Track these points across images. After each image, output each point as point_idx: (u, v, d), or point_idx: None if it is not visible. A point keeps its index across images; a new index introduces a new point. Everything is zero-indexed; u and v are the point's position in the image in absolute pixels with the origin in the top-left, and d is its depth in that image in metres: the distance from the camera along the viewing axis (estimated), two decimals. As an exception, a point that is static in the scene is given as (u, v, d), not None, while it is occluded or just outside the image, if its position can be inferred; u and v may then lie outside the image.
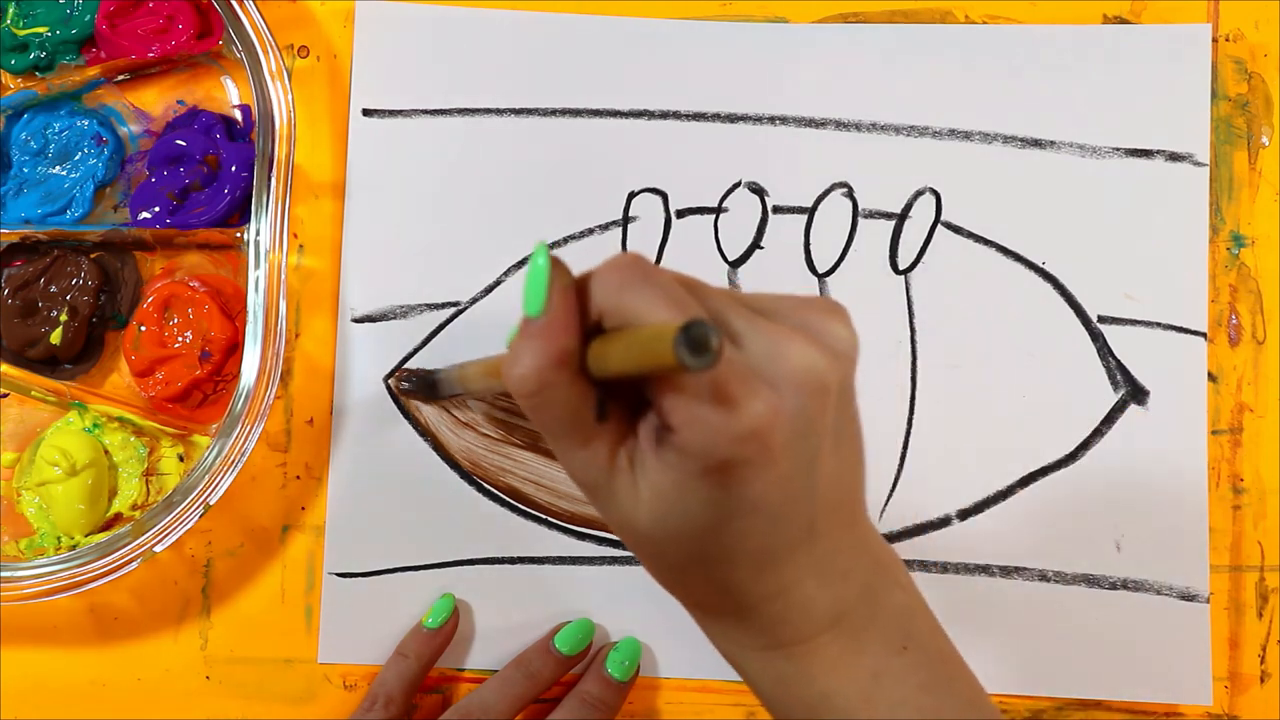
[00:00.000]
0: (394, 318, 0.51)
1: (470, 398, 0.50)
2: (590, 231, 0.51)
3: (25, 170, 0.51)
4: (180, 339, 0.50)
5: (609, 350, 0.31)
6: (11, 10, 0.50)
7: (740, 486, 0.30)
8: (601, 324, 0.32)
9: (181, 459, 0.50)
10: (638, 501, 0.32)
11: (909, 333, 0.50)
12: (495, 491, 0.50)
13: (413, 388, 0.50)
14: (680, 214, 0.51)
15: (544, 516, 0.50)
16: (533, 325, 0.31)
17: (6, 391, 0.50)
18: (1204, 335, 0.50)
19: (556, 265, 0.32)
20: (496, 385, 0.42)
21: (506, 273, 0.51)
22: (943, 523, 0.50)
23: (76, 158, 0.51)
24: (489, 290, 0.51)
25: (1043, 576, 0.50)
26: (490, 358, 0.41)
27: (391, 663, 0.49)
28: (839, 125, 0.51)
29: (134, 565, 0.47)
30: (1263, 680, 0.49)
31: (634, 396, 0.32)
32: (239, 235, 0.49)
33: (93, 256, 0.51)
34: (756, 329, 0.31)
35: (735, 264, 0.51)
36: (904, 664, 0.34)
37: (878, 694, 0.34)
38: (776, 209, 0.51)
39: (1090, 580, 0.49)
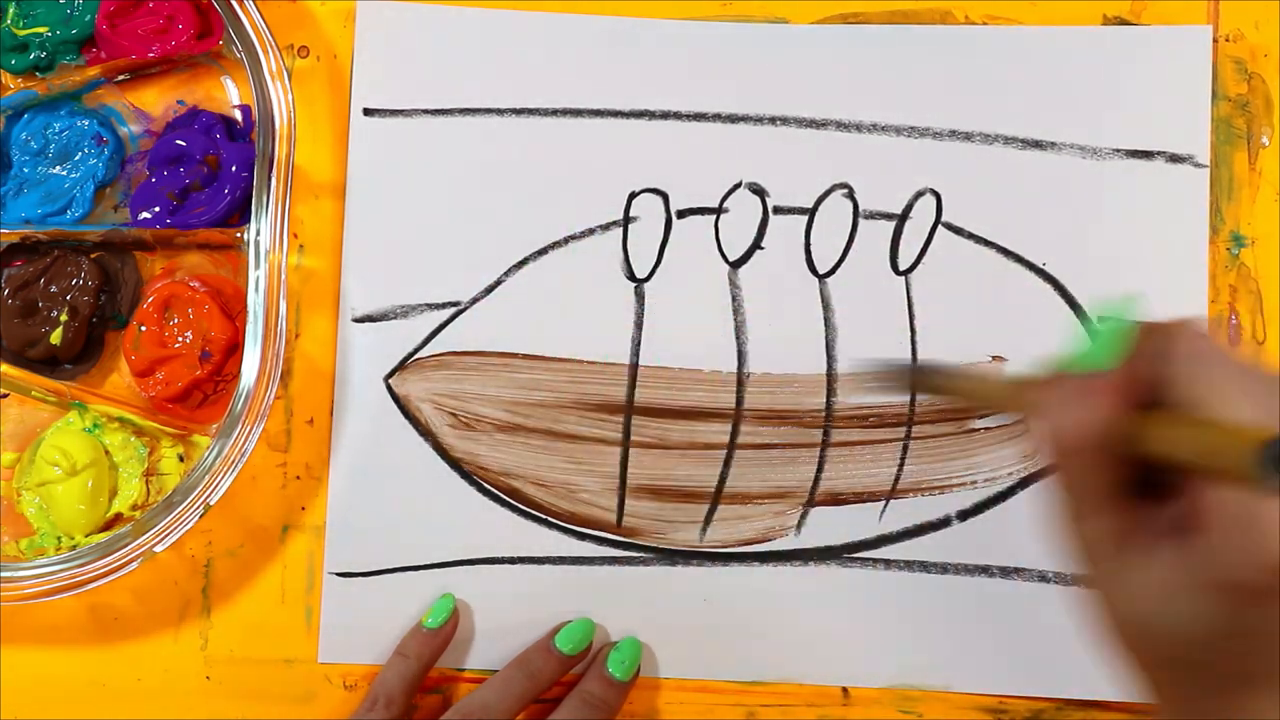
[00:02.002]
0: (394, 318, 0.51)
1: (954, 402, 0.48)
2: (590, 231, 0.51)
3: (25, 170, 0.51)
4: (180, 339, 0.50)
5: (1168, 431, 0.29)
6: (11, 10, 0.50)
7: (1248, 610, 0.29)
8: (1158, 393, 0.29)
9: (181, 459, 0.50)
10: (1139, 590, 0.30)
11: (909, 333, 0.50)
12: (495, 491, 0.50)
13: (895, 378, 0.48)
14: (681, 214, 0.51)
15: (544, 516, 0.50)
16: (1098, 379, 0.29)
17: (6, 391, 0.50)
18: (1204, 336, 0.50)
19: (1139, 325, 0.30)
20: (1014, 409, 0.39)
21: (507, 273, 0.51)
22: (943, 523, 0.50)
23: (76, 158, 0.51)
24: (489, 290, 0.51)
25: (1042, 577, 0.50)
26: (1024, 378, 0.36)
27: (391, 663, 0.49)
28: (839, 126, 0.51)
29: (134, 565, 0.47)
30: (1262, 680, 0.49)
31: (1166, 477, 0.30)
32: (239, 235, 0.49)
33: (93, 256, 0.51)
34: None
35: (736, 264, 0.51)
36: None
37: None
38: (777, 209, 0.51)
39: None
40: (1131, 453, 0.29)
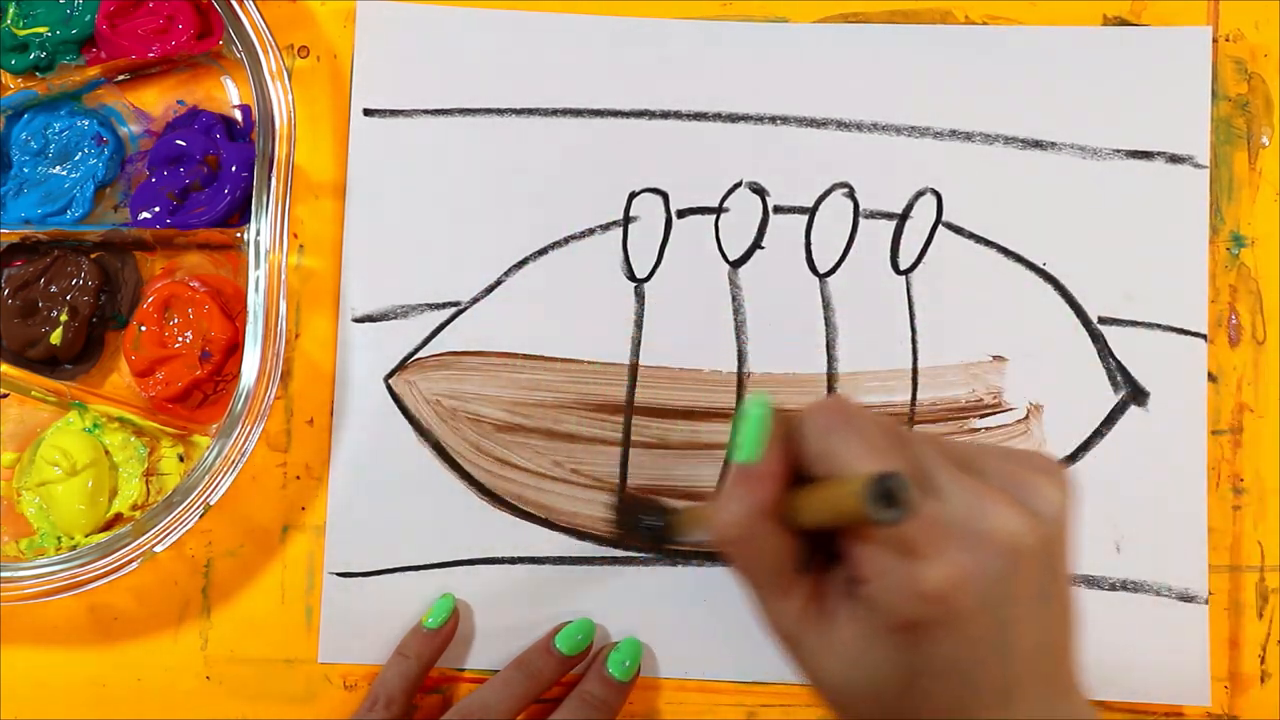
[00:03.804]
0: (394, 318, 0.51)
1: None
2: (591, 231, 0.51)
3: (25, 170, 0.51)
4: (180, 339, 0.50)
5: (806, 500, 0.31)
6: (11, 10, 0.50)
7: (927, 646, 0.30)
8: (805, 470, 0.31)
9: (181, 459, 0.50)
10: (828, 655, 0.32)
11: (910, 333, 0.50)
12: (495, 491, 0.50)
13: (644, 531, 0.49)
14: (681, 214, 0.51)
15: (544, 516, 0.50)
16: (743, 473, 0.31)
17: (6, 391, 0.50)
18: (1204, 336, 0.50)
19: (774, 416, 0.32)
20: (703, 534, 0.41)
21: (507, 273, 0.51)
22: (943, 523, 0.50)
23: (76, 158, 0.51)
24: (489, 290, 0.51)
25: (1043, 577, 0.50)
26: (702, 506, 0.41)
27: (392, 663, 0.49)
28: (840, 125, 0.51)
29: (134, 565, 0.47)
30: (1263, 680, 0.49)
31: (832, 548, 0.32)
32: (239, 235, 0.49)
33: (93, 256, 0.51)
34: (959, 485, 0.30)
35: (736, 264, 0.51)
36: None
37: None
38: (777, 209, 0.51)
39: (1089, 581, 0.50)
40: (793, 529, 0.31)
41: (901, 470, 0.27)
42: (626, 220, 0.51)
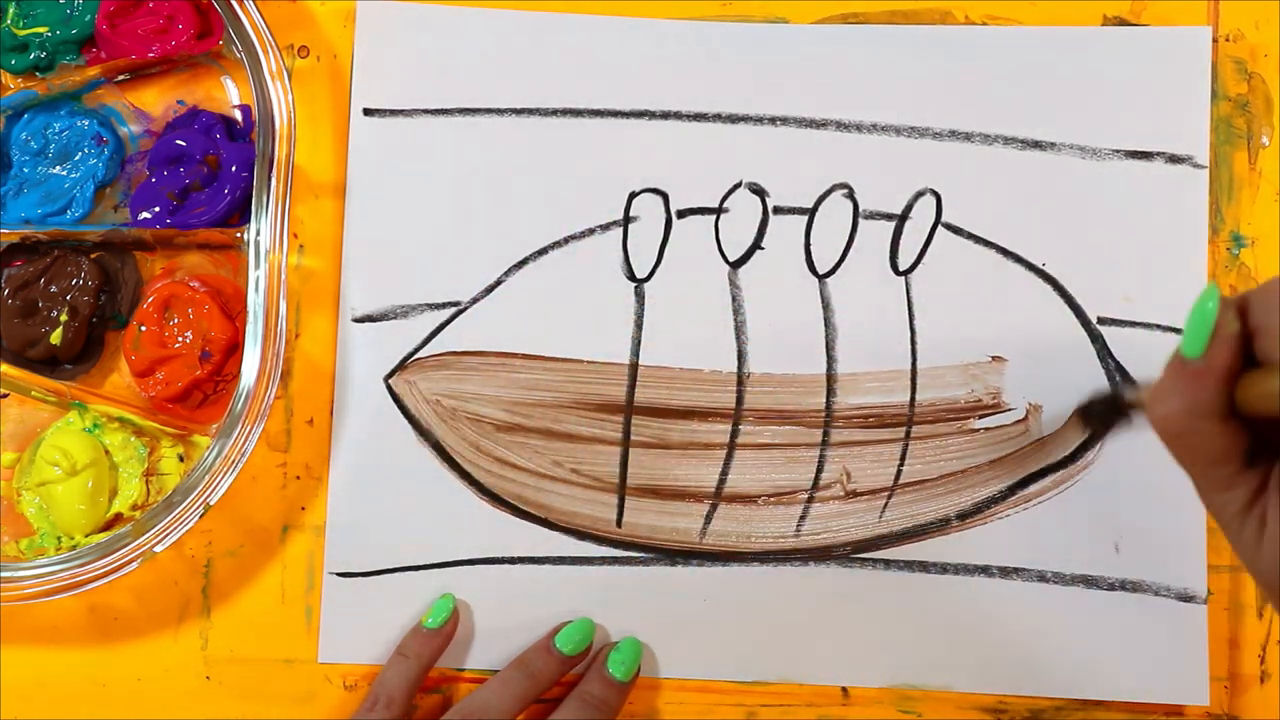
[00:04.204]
0: (394, 318, 0.51)
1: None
2: (591, 231, 0.51)
3: (25, 170, 0.51)
4: (180, 339, 0.50)
5: (1260, 388, 0.30)
6: (11, 10, 0.50)
7: None
8: (1255, 350, 0.30)
9: (181, 459, 0.50)
10: (1260, 552, 0.31)
11: (909, 333, 0.50)
12: (495, 492, 0.50)
13: (1098, 417, 0.47)
14: (681, 214, 0.51)
15: (544, 516, 0.50)
16: (1187, 366, 0.30)
17: (6, 391, 0.50)
18: (1204, 336, 0.50)
19: (1226, 309, 0.31)
20: None
21: (507, 273, 0.51)
22: (942, 523, 0.50)
23: (76, 158, 0.51)
24: (489, 290, 0.51)
25: (1042, 577, 0.50)
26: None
27: (392, 663, 0.49)
28: (839, 126, 0.51)
29: (134, 565, 0.47)
30: (1262, 680, 0.49)
31: None
32: (239, 235, 0.49)
33: (93, 256, 0.51)
34: None
35: (736, 264, 0.51)
36: None
37: None
38: (777, 209, 0.51)
39: (1089, 581, 0.50)
40: (1235, 423, 0.30)
41: None
42: (626, 220, 0.51)
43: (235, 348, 0.50)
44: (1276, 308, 0.30)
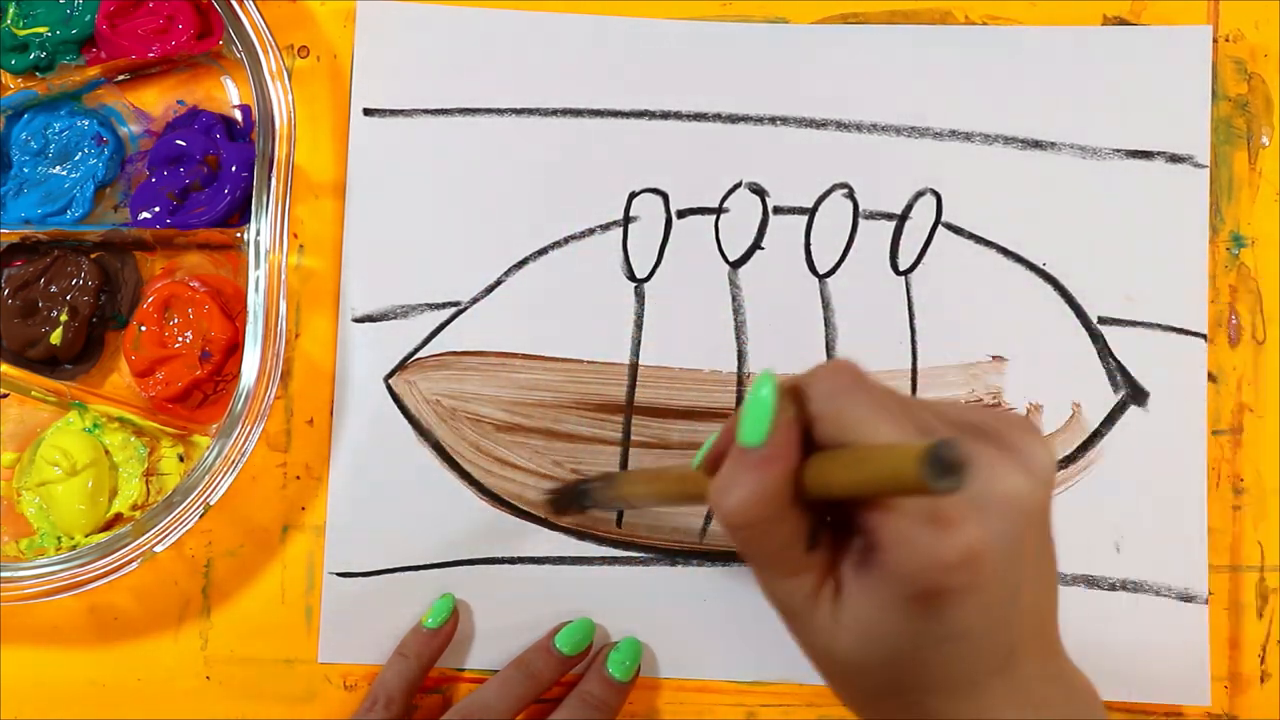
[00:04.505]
0: (394, 318, 0.51)
1: (629, 508, 0.49)
2: (590, 231, 0.51)
3: (25, 170, 0.51)
4: (180, 339, 0.50)
5: (832, 470, 0.30)
6: (11, 10, 0.50)
7: (946, 612, 0.30)
8: (812, 433, 0.30)
9: (181, 459, 0.50)
10: (837, 629, 0.31)
11: (909, 334, 0.50)
12: (495, 492, 0.50)
13: (560, 502, 0.48)
14: (681, 214, 0.51)
15: (544, 517, 0.50)
16: (750, 456, 0.30)
17: (6, 391, 0.50)
18: (1204, 336, 0.50)
19: (782, 396, 0.31)
20: (672, 499, 0.41)
21: (507, 273, 0.51)
22: (943, 523, 0.50)
23: (76, 158, 0.51)
24: (489, 290, 0.51)
25: (1042, 577, 0.50)
26: (661, 470, 0.40)
27: (391, 663, 0.49)
28: (839, 126, 0.51)
29: (134, 565, 0.47)
30: (1263, 680, 0.49)
31: (839, 520, 0.31)
32: (239, 235, 0.49)
33: (93, 256, 0.51)
34: (974, 450, 0.29)
35: (736, 264, 0.51)
36: None
37: None
38: (777, 209, 0.51)
39: (1090, 581, 0.50)
40: (804, 502, 0.30)
41: (953, 438, 0.26)
42: (626, 220, 0.51)
43: (235, 348, 0.50)
44: (829, 394, 0.30)
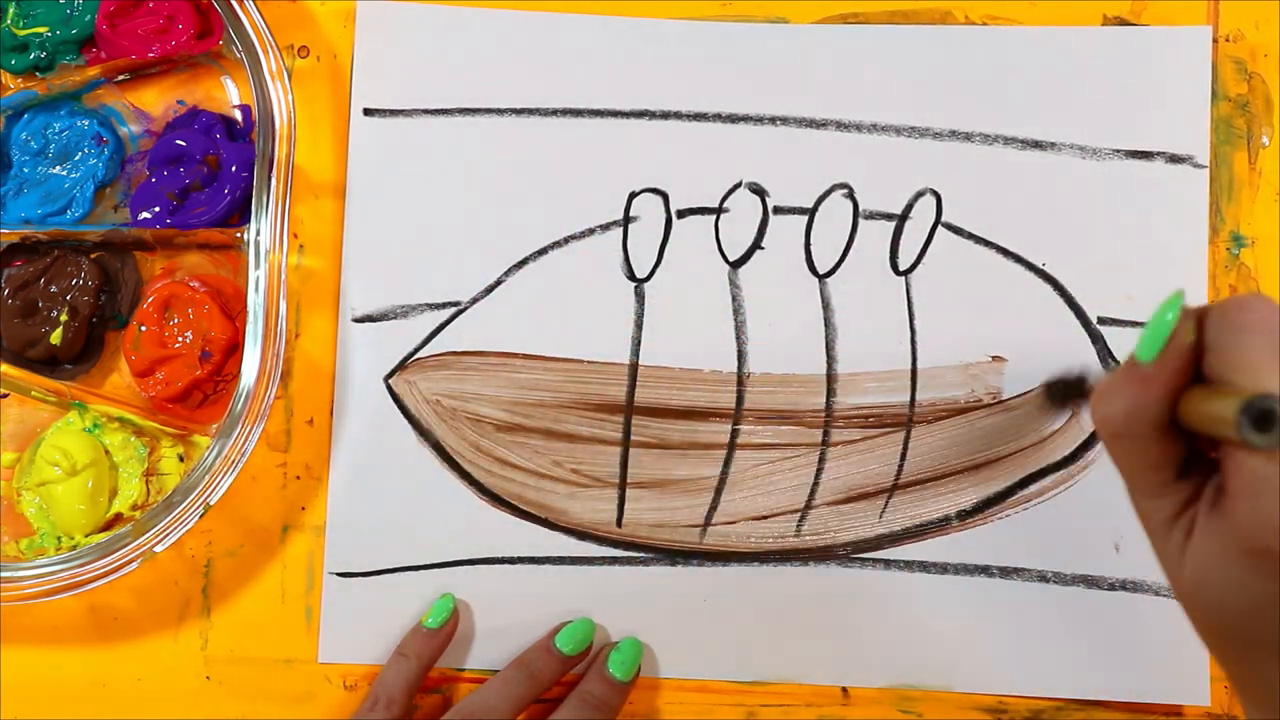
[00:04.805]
0: (394, 318, 0.51)
1: None
2: (591, 231, 0.51)
3: (25, 170, 0.51)
4: (180, 339, 0.50)
5: (1202, 406, 0.30)
6: (11, 10, 0.50)
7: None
8: (1204, 366, 0.30)
9: (181, 459, 0.50)
10: (1181, 564, 0.31)
11: (909, 334, 0.50)
12: (495, 491, 0.50)
13: (1058, 392, 0.46)
14: (681, 214, 0.51)
15: (544, 516, 0.50)
16: (1136, 370, 0.30)
17: (6, 391, 0.50)
18: (1204, 336, 0.50)
19: (1186, 320, 0.30)
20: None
21: (507, 273, 0.51)
22: (943, 523, 0.50)
23: (76, 158, 0.51)
24: (489, 290, 0.51)
25: (1042, 577, 0.50)
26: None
27: (392, 663, 0.49)
28: (839, 126, 0.51)
29: (134, 565, 0.47)
30: (1262, 680, 0.49)
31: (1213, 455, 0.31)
32: (239, 235, 0.49)
33: (93, 256, 0.51)
34: None
35: (736, 264, 0.51)
36: None
37: None
38: (777, 209, 0.51)
39: (1089, 581, 0.50)
40: (1174, 433, 0.30)
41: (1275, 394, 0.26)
42: (626, 220, 0.51)
43: (235, 348, 0.50)
44: (1230, 328, 0.30)
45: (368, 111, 0.52)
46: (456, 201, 0.51)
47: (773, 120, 0.51)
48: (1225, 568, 0.30)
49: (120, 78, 0.52)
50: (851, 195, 0.51)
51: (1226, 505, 0.30)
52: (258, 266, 0.48)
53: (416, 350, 0.51)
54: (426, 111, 0.52)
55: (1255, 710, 0.34)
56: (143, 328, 0.50)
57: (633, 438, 0.50)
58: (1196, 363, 0.31)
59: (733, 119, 0.51)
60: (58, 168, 0.51)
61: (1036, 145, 0.51)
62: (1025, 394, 0.50)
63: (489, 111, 0.52)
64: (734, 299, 0.51)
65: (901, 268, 0.51)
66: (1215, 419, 0.28)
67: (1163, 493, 0.32)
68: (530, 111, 0.52)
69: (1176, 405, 0.30)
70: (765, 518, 0.50)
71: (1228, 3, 0.51)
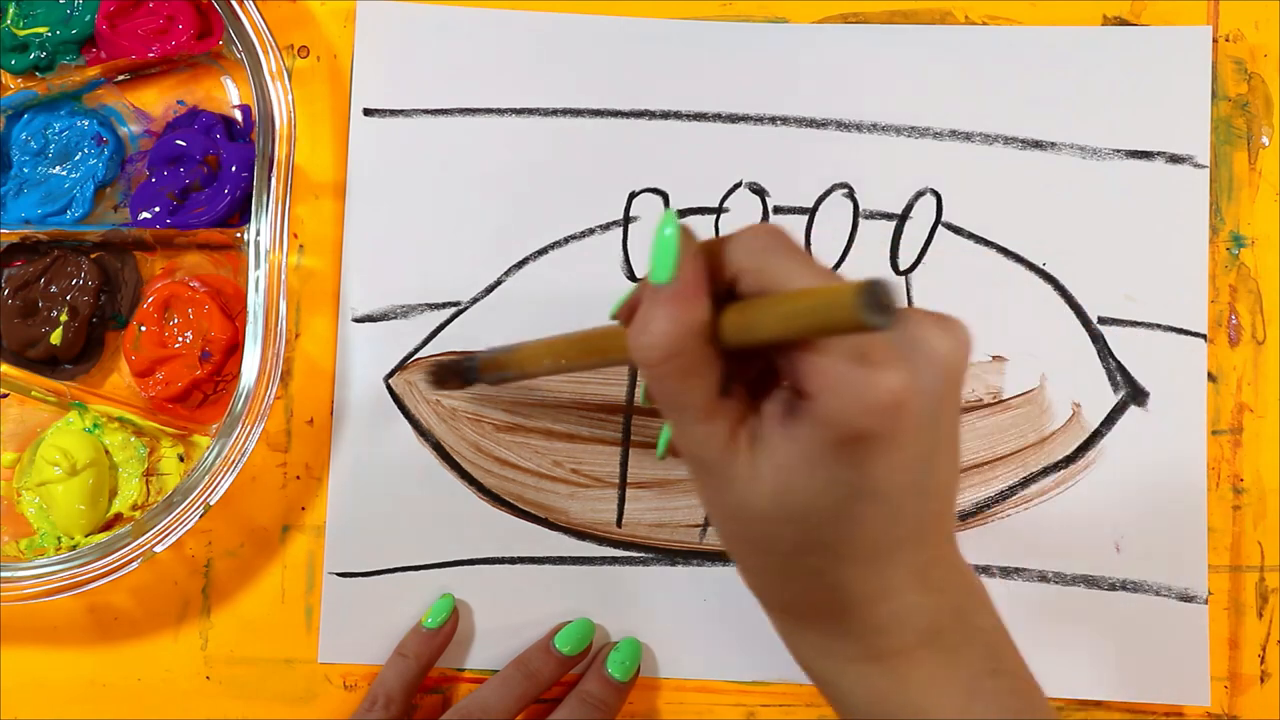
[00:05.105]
0: (394, 318, 0.51)
1: (518, 381, 0.47)
2: (591, 231, 0.51)
3: (25, 170, 0.51)
4: (180, 339, 0.50)
5: (758, 315, 0.30)
6: (11, 10, 0.50)
7: (867, 463, 0.30)
8: (735, 289, 0.31)
9: (181, 459, 0.50)
10: (756, 481, 0.31)
11: (909, 333, 0.50)
12: (495, 492, 0.50)
13: (438, 377, 0.47)
14: (681, 214, 0.51)
15: (544, 516, 0.50)
16: (662, 292, 0.31)
17: (6, 391, 0.50)
18: (1204, 336, 0.50)
19: (685, 232, 0.31)
20: (585, 360, 0.40)
21: (507, 273, 0.51)
22: (943, 523, 0.50)
23: (76, 158, 0.51)
24: (489, 290, 0.51)
25: (1042, 577, 0.50)
26: (551, 338, 0.40)
27: (391, 663, 0.49)
28: (840, 126, 0.51)
29: (134, 565, 0.47)
30: (1263, 680, 0.49)
31: (755, 373, 0.32)
32: (239, 235, 0.49)
33: (93, 256, 0.51)
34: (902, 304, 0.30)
35: (735, 264, 0.51)
36: (995, 687, 0.34)
37: (971, 714, 0.33)
38: (777, 209, 0.51)
39: (1090, 580, 0.50)
40: (716, 351, 0.31)
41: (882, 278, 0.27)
42: (627, 220, 0.51)
43: (235, 348, 0.50)
44: (754, 250, 0.31)
45: (368, 111, 0.52)
46: (456, 201, 0.51)
47: (773, 120, 0.51)
48: (811, 468, 0.30)
49: (120, 78, 0.52)
50: (851, 195, 0.51)
51: (809, 406, 0.30)
52: (258, 266, 0.48)
53: (416, 350, 0.51)
54: (426, 111, 0.52)
55: (816, 630, 0.34)
56: (143, 328, 0.50)
57: (633, 438, 0.50)
58: (728, 292, 0.31)
59: (733, 119, 0.51)
60: (58, 168, 0.51)
61: (1036, 145, 0.51)
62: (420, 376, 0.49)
63: (489, 111, 0.52)
64: (734, 299, 0.51)
65: (902, 268, 0.51)
66: (815, 313, 0.29)
67: (715, 414, 0.31)
68: (530, 111, 0.52)
69: (716, 326, 0.31)
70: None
71: (1228, 3, 0.51)
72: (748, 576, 0.35)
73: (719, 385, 0.31)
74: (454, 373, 0.46)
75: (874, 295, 0.26)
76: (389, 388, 0.51)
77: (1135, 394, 0.50)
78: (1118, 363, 0.50)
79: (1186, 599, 0.49)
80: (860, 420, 0.29)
